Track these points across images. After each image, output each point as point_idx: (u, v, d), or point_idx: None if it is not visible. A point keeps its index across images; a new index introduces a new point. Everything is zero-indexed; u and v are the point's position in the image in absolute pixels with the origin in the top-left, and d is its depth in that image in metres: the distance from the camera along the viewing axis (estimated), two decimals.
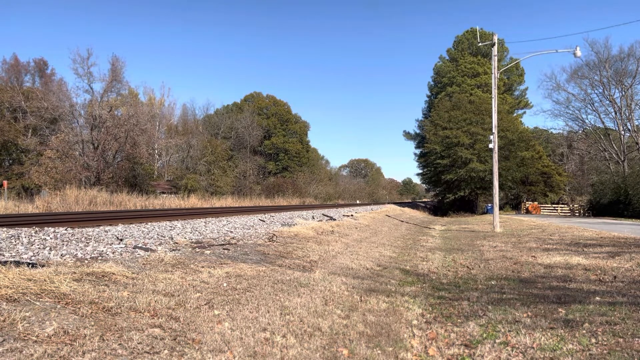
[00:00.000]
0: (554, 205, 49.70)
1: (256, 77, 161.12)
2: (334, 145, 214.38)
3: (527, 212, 46.37)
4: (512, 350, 4.13)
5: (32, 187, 36.68)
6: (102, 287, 4.71)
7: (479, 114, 44.40)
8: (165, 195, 40.38)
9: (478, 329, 4.86)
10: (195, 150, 53.12)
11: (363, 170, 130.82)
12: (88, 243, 7.31)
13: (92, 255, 6.30)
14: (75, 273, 4.95)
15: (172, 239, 8.83)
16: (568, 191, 55.93)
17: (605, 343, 4.14)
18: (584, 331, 4.49)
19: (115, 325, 3.74)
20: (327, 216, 20.76)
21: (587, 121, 47.58)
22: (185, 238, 9.08)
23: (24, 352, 2.99)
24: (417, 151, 62.55)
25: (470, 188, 46.36)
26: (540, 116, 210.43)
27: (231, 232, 11.19)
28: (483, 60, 56.55)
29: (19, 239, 7.18)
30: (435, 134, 46.76)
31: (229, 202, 40.04)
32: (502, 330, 4.74)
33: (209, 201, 37.48)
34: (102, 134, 37.88)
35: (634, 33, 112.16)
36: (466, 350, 4.26)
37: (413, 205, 66.20)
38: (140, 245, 7.58)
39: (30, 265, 5.08)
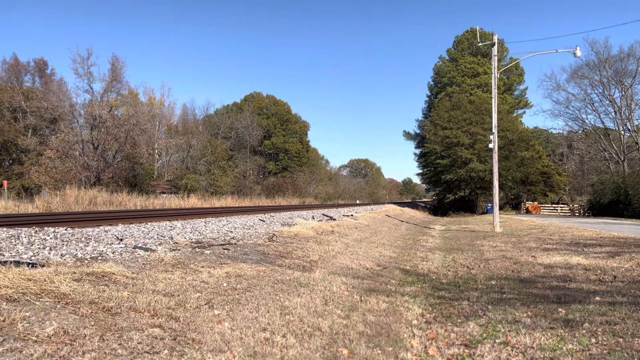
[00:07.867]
0: (554, 205, 49.70)
1: (256, 77, 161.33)
2: (334, 145, 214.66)
3: (527, 212, 46.37)
4: (512, 350, 4.12)
5: (32, 187, 36.68)
6: (102, 287, 4.71)
7: (479, 114, 44.39)
8: (165, 195, 40.36)
9: (478, 329, 4.86)
10: (195, 150, 53.09)
11: (363, 170, 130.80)
12: (88, 243, 7.31)
13: (92, 255, 6.30)
14: (75, 273, 4.95)
15: (172, 238, 8.83)
16: (568, 191, 55.93)
17: (605, 343, 4.14)
18: (584, 331, 4.49)
19: (115, 325, 3.74)
20: (327, 216, 20.76)
21: (587, 121, 47.63)
22: (185, 238, 9.08)
23: (24, 352, 2.99)
24: (417, 151, 62.56)
25: (470, 188, 46.35)
26: (540, 116, 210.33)
27: (231, 232, 11.20)
28: (483, 60, 56.53)
29: (19, 239, 7.18)
30: (435, 134, 46.75)
31: (229, 202, 40.04)
32: (502, 330, 4.74)
33: (209, 201, 37.48)
34: (102, 134, 37.86)
35: (634, 33, 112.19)
36: (466, 350, 4.26)
37: (413, 205, 66.21)
38: (140, 245, 7.58)
39: (30, 265, 5.08)
